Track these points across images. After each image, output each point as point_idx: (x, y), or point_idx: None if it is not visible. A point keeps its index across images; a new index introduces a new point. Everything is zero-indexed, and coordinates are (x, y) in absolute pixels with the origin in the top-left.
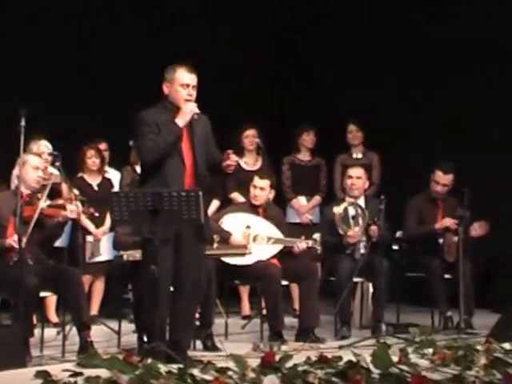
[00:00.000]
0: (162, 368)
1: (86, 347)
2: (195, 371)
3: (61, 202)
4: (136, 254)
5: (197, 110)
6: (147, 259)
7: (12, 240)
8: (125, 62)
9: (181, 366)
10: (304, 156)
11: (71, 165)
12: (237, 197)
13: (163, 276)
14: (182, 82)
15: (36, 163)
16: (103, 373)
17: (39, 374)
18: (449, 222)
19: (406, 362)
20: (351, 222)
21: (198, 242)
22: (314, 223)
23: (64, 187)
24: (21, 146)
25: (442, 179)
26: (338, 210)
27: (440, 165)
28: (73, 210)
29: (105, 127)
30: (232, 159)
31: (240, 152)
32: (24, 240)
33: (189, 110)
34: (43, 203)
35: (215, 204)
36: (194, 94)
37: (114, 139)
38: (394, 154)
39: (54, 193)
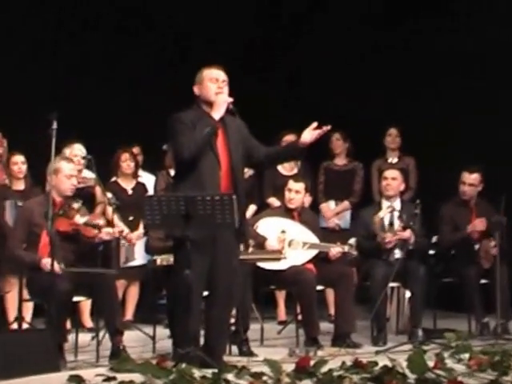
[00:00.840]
0: (196, 373)
1: (117, 352)
2: (230, 376)
3: (97, 222)
4: (170, 259)
5: (230, 100)
6: (180, 263)
7: (46, 263)
8: (158, 65)
9: (215, 370)
10: (339, 161)
11: (103, 169)
12: (274, 201)
13: (196, 280)
14: (211, 77)
15: (69, 171)
16: (137, 378)
17: (72, 379)
18: (479, 222)
19: (441, 367)
20: (387, 228)
21: (233, 246)
22: (343, 228)
23: (98, 191)
24: (52, 149)
25: (468, 179)
26: (377, 217)
27: (466, 166)
28: (108, 233)
29: (138, 131)
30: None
31: None
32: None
33: (222, 100)
34: (80, 219)
35: (252, 208)
36: (225, 89)
37: (147, 143)
38: (431, 158)
39: (88, 196)
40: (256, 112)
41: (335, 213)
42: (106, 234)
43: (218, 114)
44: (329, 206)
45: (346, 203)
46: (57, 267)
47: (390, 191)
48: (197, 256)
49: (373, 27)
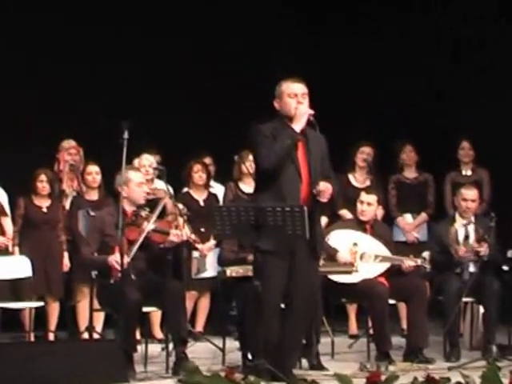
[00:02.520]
0: None
1: (181, 362)
2: None
3: (166, 229)
4: (240, 270)
5: (311, 111)
6: (254, 275)
7: (114, 260)
8: (229, 75)
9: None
10: (410, 173)
11: (176, 179)
12: (345, 214)
13: (272, 292)
14: (289, 92)
15: (139, 179)
16: None
17: None
18: None
19: None
20: (462, 241)
21: (311, 259)
22: (421, 241)
23: (168, 201)
24: (123, 158)
25: None
26: (453, 228)
27: None
28: (176, 234)
29: (209, 141)
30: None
31: (351, 167)
32: (127, 260)
33: (303, 111)
34: (150, 225)
35: (323, 220)
36: (305, 102)
37: (219, 154)
38: (506, 171)
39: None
40: (332, 123)
41: (415, 226)
42: (173, 235)
43: (298, 125)
44: (405, 220)
45: (423, 215)
46: (126, 262)
47: (469, 214)
48: (274, 268)
49: None
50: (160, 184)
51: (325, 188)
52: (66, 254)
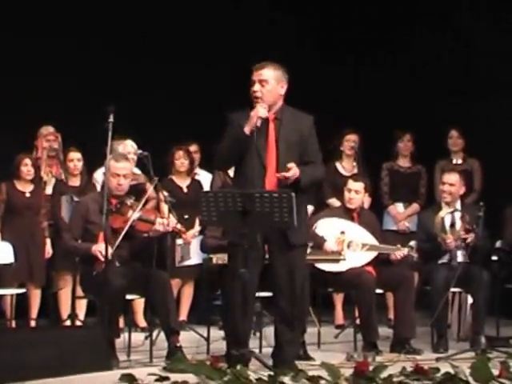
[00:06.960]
0: (252, 375)
1: (174, 352)
2: (286, 379)
3: (152, 217)
4: (225, 257)
5: (262, 115)
6: (234, 262)
7: (98, 250)
8: (218, 63)
9: (271, 373)
10: (403, 162)
11: (161, 166)
12: (334, 202)
13: (236, 287)
14: (252, 79)
15: (115, 170)
16: (190, 378)
17: (124, 378)
18: None
19: (507, 376)
20: (448, 229)
21: (286, 249)
22: (412, 231)
23: (149, 187)
24: (108, 142)
25: None
26: (438, 216)
27: None
28: (162, 223)
29: (198, 128)
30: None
31: (338, 156)
32: (111, 250)
33: (253, 113)
34: (135, 214)
35: (309, 209)
36: (265, 89)
37: (206, 141)
38: (497, 160)
39: (139, 193)
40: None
41: (407, 215)
42: (159, 224)
43: (247, 127)
44: (397, 209)
45: (415, 206)
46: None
47: (446, 198)
48: (241, 261)
49: None
50: (136, 170)
51: (286, 176)
52: (48, 241)
